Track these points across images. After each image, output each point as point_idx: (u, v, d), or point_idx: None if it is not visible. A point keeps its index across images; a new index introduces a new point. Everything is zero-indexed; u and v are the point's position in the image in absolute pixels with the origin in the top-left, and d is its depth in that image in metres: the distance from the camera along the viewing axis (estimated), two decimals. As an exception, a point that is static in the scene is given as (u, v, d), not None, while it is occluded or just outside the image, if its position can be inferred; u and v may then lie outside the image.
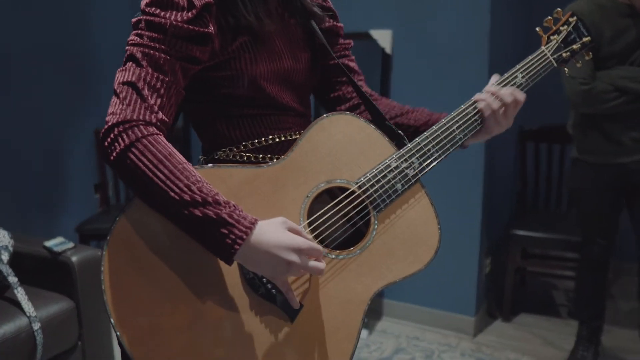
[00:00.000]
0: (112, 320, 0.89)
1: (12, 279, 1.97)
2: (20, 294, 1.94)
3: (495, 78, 1.16)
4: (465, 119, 1.12)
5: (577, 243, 2.63)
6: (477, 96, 1.13)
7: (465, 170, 2.59)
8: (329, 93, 1.23)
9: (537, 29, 1.21)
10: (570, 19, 1.20)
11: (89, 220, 3.00)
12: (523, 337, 2.71)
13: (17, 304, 1.93)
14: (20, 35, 2.83)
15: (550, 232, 2.74)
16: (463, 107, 1.13)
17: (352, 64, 1.25)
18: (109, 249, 0.90)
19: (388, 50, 2.68)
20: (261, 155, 1.06)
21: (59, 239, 2.20)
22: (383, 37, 2.68)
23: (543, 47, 1.18)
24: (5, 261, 2.03)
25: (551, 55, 1.17)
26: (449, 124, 1.11)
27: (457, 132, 1.11)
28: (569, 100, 2.18)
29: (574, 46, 1.19)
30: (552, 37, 1.18)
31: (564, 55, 1.18)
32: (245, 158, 1.06)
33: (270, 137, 1.07)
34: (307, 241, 0.91)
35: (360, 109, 1.23)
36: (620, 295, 3.17)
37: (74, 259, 2.08)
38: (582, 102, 2.12)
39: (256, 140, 1.07)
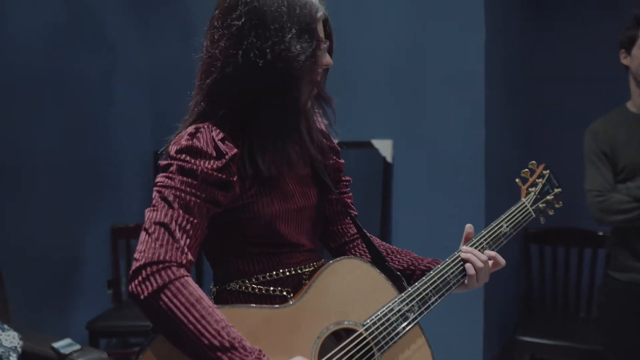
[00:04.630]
0: None
1: (18, 382, 2.17)
2: (25, 397, 2.13)
3: (470, 228, 1.37)
4: (457, 266, 1.33)
5: (588, 351, 2.80)
6: (464, 255, 1.33)
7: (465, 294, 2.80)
8: (327, 226, 1.39)
9: (517, 180, 1.49)
10: (544, 172, 1.50)
11: (100, 317, 3.20)
12: None
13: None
14: (38, 131, 3.16)
15: (560, 338, 2.88)
16: (450, 259, 1.33)
17: (349, 201, 1.42)
18: None
19: (389, 159, 2.99)
20: (272, 288, 1.21)
21: (67, 341, 2.42)
22: (384, 147, 3.00)
23: (523, 199, 1.46)
24: (13, 363, 2.24)
25: (530, 206, 1.45)
26: (445, 269, 1.32)
27: (451, 277, 1.32)
28: (591, 215, 2.25)
29: (548, 197, 1.48)
30: (530, 189, 1.47)
31: (540, 206, 1.46)
32: (257, 290, 1.21)
33: (282, 270, 1.22)
34: None
35: (355, 243, 1.41)
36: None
37: (79, 362, 2.27)
38: (600, 214, 2.20)
39: (267, 274, 1.21)
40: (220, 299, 1.24)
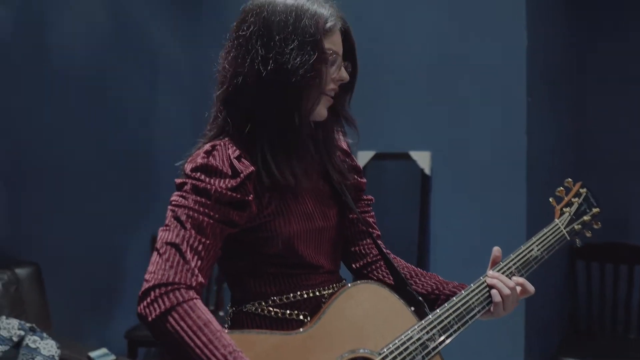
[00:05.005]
0: None
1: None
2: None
3: (497, 251, 1.29)
4: (482, 292, 1.26)
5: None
6: (490, 280, 1.26)
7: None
8: (348, 247, 1.34)
9: (550, 199, 1.39)
10: (581, 190, 1.39)
11: (139, 326, 3.22)
12: None
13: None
14: (81, 137, 3.23)
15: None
16: (475, 284, 1.26)
17: (371, 220, 1.37)
18: None
19: (427, 171, 2.90)
20: (288, 311, 1.17)
21: (103, 350, 2.48)
22: (422, 158, 2.91)
23: (557, 220, 1.35)
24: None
25: (564, 228, 1.34)
26: (469, 295, 1.24)
27: (475, 303, 1.24)
28: None
29: (585, 218, 1.36)
30: (564, 210, 1.36)
31: (575, 227, 1.35)
32: (273, 313, 1.17)
33: (299, 292, 1.18)
34: None
35: (377, 264, 1.34)
36: None
37: (113, 371, 2.32)
38: None
39: (284, 296, 1.17)
40: (237, 320, 1.21)
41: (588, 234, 1.39)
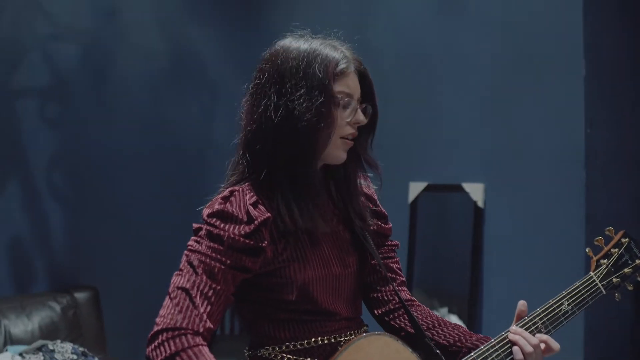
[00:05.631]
0: None
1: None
2: None
3: (522, 305, 1.22)
4: (503, 348, 1.18)
5: None
6: (512, 336, 1.19)
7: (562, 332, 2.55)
8: (370, 293, 1.32)
9: (587, 249, 1.29)
10: (622, 240, 1.27)
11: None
12: None
13: None
14: (140, 170, 3.36)
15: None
16: (496, 339, 1.20)
17: (395, 266, 1.33)
18: None
19: (480, 204, 2.80)
20: (301, 358, 1.15)
21: None
22: (475, 190, 2.81)
23: (592, 273, 1.26)
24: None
25: (600, 282, 1.24)
26: (489, 351, 1.17)
27: None
28: None
29: (625, 270, 1.25)
30: (602, 261, 1.26)
31: (614, 280, 1.24)
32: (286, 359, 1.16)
33: (314, 339, 1.16)
34: None
35: (399, 312, 1.30)
36: None
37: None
38: None
39: (298, 342, 1.16)
40: None
41: (630, 287, 1.28)
